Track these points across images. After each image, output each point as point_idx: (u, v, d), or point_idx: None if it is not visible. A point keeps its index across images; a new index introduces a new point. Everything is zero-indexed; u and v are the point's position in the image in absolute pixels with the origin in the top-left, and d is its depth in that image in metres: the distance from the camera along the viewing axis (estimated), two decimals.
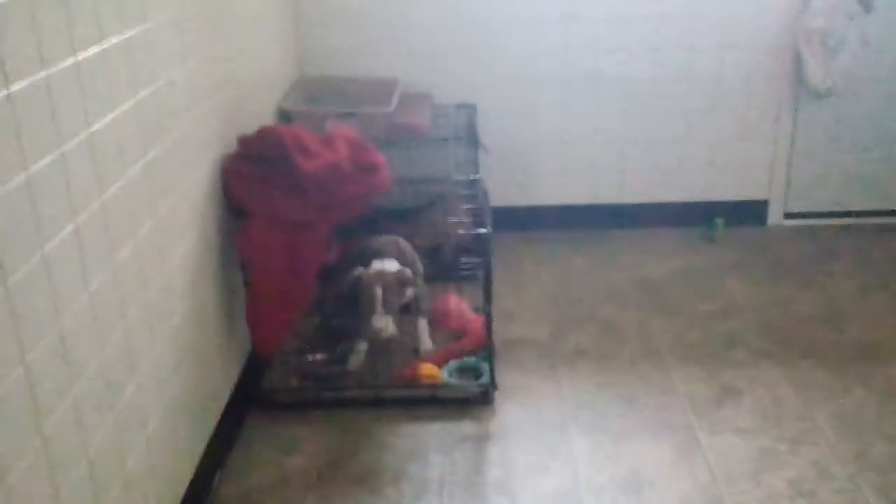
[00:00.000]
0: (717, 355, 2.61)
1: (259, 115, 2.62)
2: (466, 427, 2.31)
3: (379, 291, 2.32)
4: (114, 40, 1.59)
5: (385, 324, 2.33)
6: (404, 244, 2.62)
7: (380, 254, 2.49)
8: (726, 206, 3.49)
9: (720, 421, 2.30)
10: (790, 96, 3.35)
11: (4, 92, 1.22)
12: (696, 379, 2.49)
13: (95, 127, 1.50)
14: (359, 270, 2.38)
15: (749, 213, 3.51)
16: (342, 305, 2.51)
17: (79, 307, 1.44)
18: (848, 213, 3.51)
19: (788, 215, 3.52)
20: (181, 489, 1.91)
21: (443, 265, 2.97)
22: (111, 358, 1.56)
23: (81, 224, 1.45)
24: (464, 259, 2.98)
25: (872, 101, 3.37)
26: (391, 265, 2.45)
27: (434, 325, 2.66)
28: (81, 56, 1.46)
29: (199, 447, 2.05)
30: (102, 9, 1.55)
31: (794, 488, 2.03)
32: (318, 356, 2.51)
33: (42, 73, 1.32)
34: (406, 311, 2.63)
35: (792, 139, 3.43)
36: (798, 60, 3.26)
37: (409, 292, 2.50)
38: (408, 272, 2.43)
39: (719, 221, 3.42)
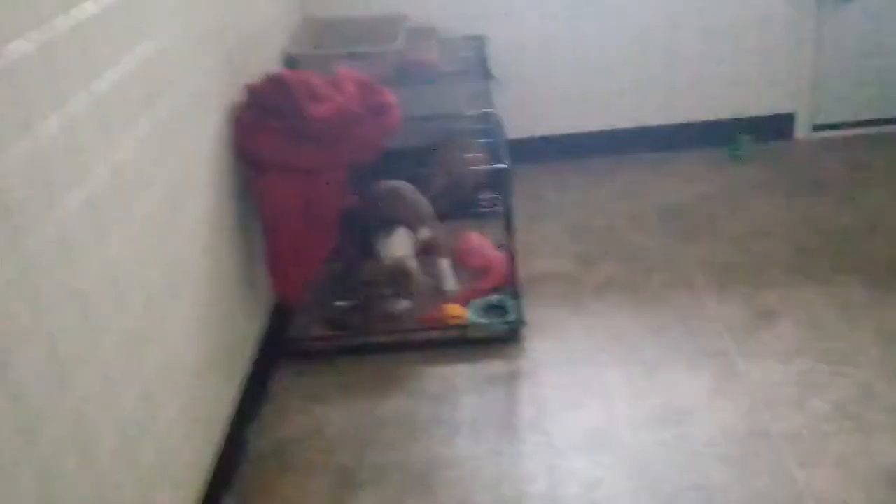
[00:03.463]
0: (750, 277, 2.54)
1: (265, 61, 2.53)
2: (496, 366, 2.28)
3: (388, 290, 2.40)
4: None
5: (402, 306, 2.41)
6: (411, 192, 2.59)
7: (389, 222, 2.51)
8: (751, 122, 3.36)
9: (758, 345, 2.24)
10: (813, 3, 3.19)
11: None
12: (730, 303, 2.42)
13: (95, 86, 1.44)
14: (368, 269, 2.43)
15: (776, 127, 3.38)
16: (363, 253, 2.47)
17: (96, 270, 1.40)
18: (879, 122, 3.36)
19: (817, 127, 3.39)
20: (214, 447, 1.90)
21: (461, 203, 2.90)
22: (135, 319, 1.53)
23: (93, 186, 1.40)
24: (482, 195, 2.90)
25: None
26: (400, 244, 2.46)
27: (456, 264, 2.61)
28: (76, 12, 1.39)
29: (229, 402, 2.03)
30: None
31: (839, 411, 1.98)
32: (345, 303, 2.47)
33: (37, 34, 1.26)
34: (426, 252, 2.59)
35: (817, 48, 3.27)
36: None
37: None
38: (411, 263, 2.48)
39: (745, 138, 3.30)
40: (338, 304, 2.48)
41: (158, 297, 1.64)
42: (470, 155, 2.80)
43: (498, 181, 2.41)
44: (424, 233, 2.61)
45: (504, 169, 2.26)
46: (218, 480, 1.87)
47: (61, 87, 1.32)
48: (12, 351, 1.15)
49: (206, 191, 1.95)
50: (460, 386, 2.21)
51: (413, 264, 2.48)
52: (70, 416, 1.29)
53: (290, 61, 2.75)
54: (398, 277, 2.43)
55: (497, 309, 2.43)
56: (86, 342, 1.35)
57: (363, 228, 2.57)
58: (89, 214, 1.38)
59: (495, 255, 2.59)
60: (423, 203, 2.70)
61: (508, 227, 2.32)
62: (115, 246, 1.47)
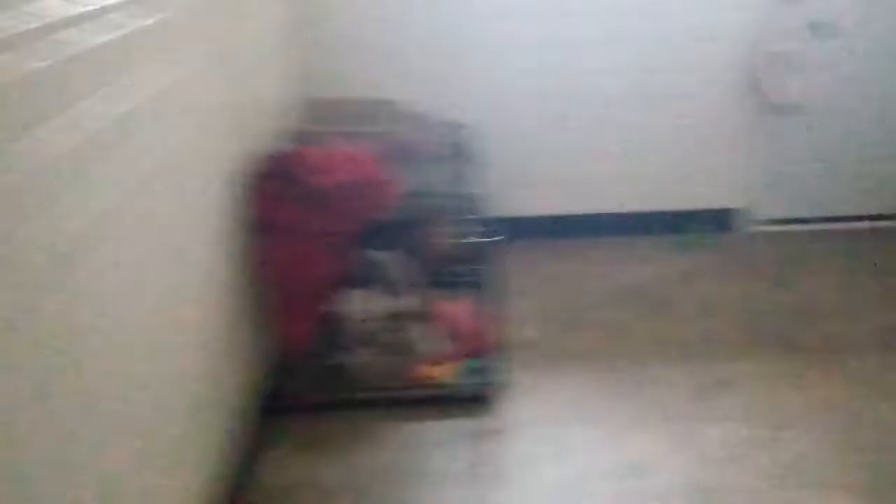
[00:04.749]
0: (700, 351, 2.83)
1: (270, 135, 2.77)
2: (476, 424, 2.49)
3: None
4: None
5: (341, 357, 2.57)
6: (390, 262, 2.81)
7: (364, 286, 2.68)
8: (698, 215, 3.73)
9: (710, 410, 2.50)
10: (755, 110, 3.61)
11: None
12: (684, 373, 2.70)
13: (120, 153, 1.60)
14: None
15: (720, 220, 3.76)
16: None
17: (124, 339, 1.57)
18: (812, 220, 3.77)
19: (756, 222, 3.77)
20: (208, 494, 2.03)
21: (441, 273, 3.13)
22: (136, 368, 1.67)
23: (112, 246, 1.57)
24: (461, 267, 3.15)
25: (834, 115, 3.64)
26: (357, 300, 2.65)
27: (437, 329, 2.83)
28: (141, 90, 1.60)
29: (221, 452, 2.16)
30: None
31: (785, 470, 2.24)
32: (340, 359, 2.64)
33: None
34: (412, 318, 2.80)
35: (758, 151, 3.68)
36: (759, 78, 3.52)
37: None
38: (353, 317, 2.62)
39: (692, 229, 3.66)
40: (337, 359, 2.66)
41: (159, 348, 1.76)
42: (450, 230, 3.05)
43: (478, 254, 2.66)
44: (399, 300, 2.82)
45: (486, 243, 2.52)
46: None
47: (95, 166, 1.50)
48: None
49: (218, 253, 2.14)
50: (443, 441, 2.41)
51: (359, 320, 2.64)
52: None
53: (292, 137, 3.00)
54: (340, 329, 2.62)
55: (475, 371, 2.64)
56: (88, 391, 1.45)
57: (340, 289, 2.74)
58: (113, 263, 1.53)
59: (473, 323, 2.82)
60: (400, 272, 2.92)
61: (488, 296, 2.56)
62: (124, 305, 1.60)
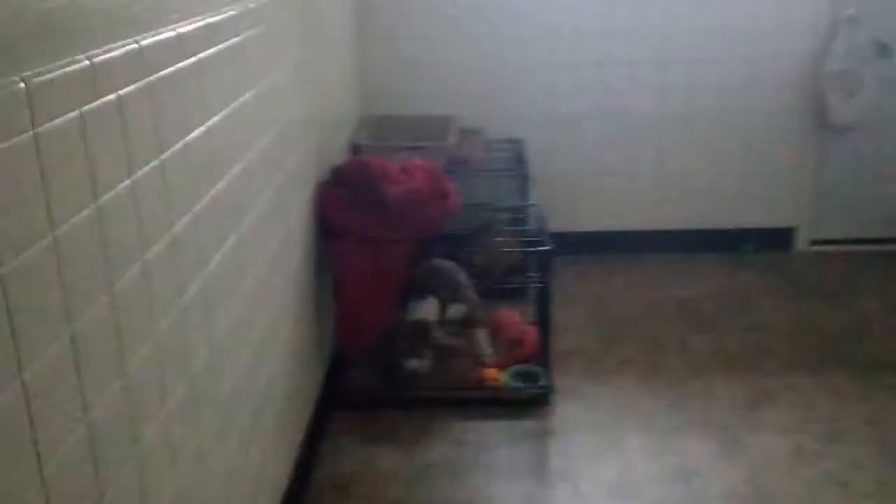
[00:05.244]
0: (751, 365, 2.86)
1: (338, 148, 2.93)
2: (528, 424, 2.57)
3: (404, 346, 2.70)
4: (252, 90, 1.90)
5: (415, 364, 2.67)
6: (454, 270, 2.93)
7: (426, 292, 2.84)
8: (756, 233, 3.75)
9: (758, 421, 2.54)
10: (815, 131, 3.64)
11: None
12: (734, 385, 2.73)
13: (235, 170, 1.79)
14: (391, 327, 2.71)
15: (777, 239, 3.77)
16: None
17: (223, 328, 1.70)
18: (870, 241, 3.76)
19: (814, 241, 3.78)
20: (286, 477, 2.17)
21: (498, 282, 3.24)
22: (240, 369, 1.82)
23: (227, 248, 1.72)
24: (516, 277, 3.25)
25: (892, 135, 3.64)
26: (426, 309, 2.77)
27: (492, 335, 2.93)
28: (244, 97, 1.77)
29: (299, 440, 2.31)
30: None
31: (830, 479, 2.27)
32: (400, 360, 2.76)
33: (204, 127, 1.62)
34: (465, 324, 2.91)
35: (817, 170, 3.70)
36: (821, 99, 3.55)
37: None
38: (429, 326, 2.74)
39: (748, 247, 3.69)
40: (414, 361, 2.77)
41: (241, 337, 1.89)
42: (507, 241, 3.16)
43: (537, 263, 2.76)
44: (460, 307, 2.94)
45: (547, 251, 2.62)
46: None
47: (207, 175, 1.66)
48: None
49: (296, 255, 2.29)
50: (497, 439, 2.50)
51: (432, 327, 2.76)
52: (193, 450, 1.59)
53: (356, 150, 3.16)
54: (414, 335, 2.73)
55: (529, 375, 2.74)
56: (207, 390, 1.63)
57: (405, 296, 2.88)
58: (222, 277, 1.69)
59: (527, 329, 2.92)
60: (463, 280, 3.04)
61: (545, 302, 2.66)
62: (237, 303, 1.78)
